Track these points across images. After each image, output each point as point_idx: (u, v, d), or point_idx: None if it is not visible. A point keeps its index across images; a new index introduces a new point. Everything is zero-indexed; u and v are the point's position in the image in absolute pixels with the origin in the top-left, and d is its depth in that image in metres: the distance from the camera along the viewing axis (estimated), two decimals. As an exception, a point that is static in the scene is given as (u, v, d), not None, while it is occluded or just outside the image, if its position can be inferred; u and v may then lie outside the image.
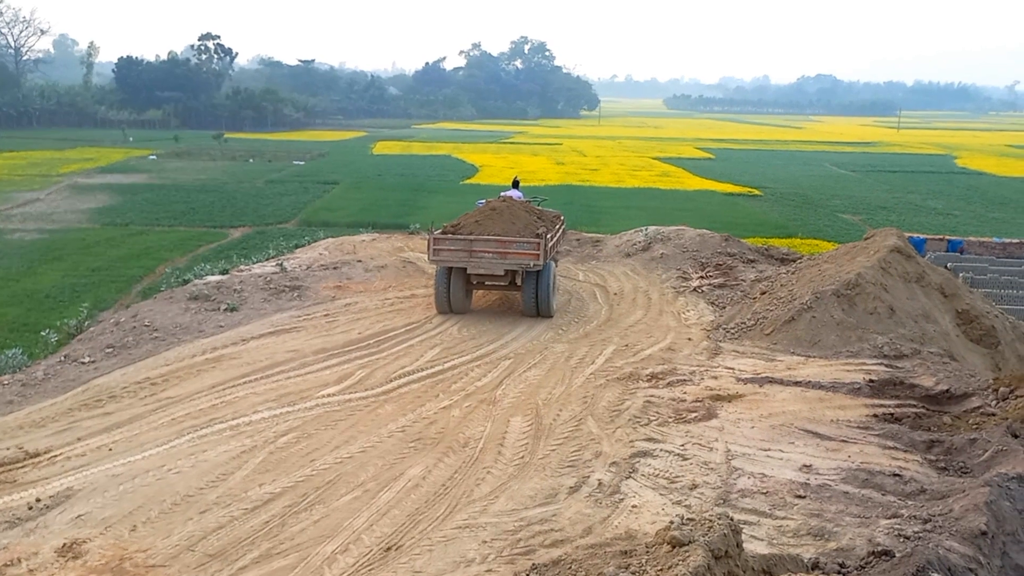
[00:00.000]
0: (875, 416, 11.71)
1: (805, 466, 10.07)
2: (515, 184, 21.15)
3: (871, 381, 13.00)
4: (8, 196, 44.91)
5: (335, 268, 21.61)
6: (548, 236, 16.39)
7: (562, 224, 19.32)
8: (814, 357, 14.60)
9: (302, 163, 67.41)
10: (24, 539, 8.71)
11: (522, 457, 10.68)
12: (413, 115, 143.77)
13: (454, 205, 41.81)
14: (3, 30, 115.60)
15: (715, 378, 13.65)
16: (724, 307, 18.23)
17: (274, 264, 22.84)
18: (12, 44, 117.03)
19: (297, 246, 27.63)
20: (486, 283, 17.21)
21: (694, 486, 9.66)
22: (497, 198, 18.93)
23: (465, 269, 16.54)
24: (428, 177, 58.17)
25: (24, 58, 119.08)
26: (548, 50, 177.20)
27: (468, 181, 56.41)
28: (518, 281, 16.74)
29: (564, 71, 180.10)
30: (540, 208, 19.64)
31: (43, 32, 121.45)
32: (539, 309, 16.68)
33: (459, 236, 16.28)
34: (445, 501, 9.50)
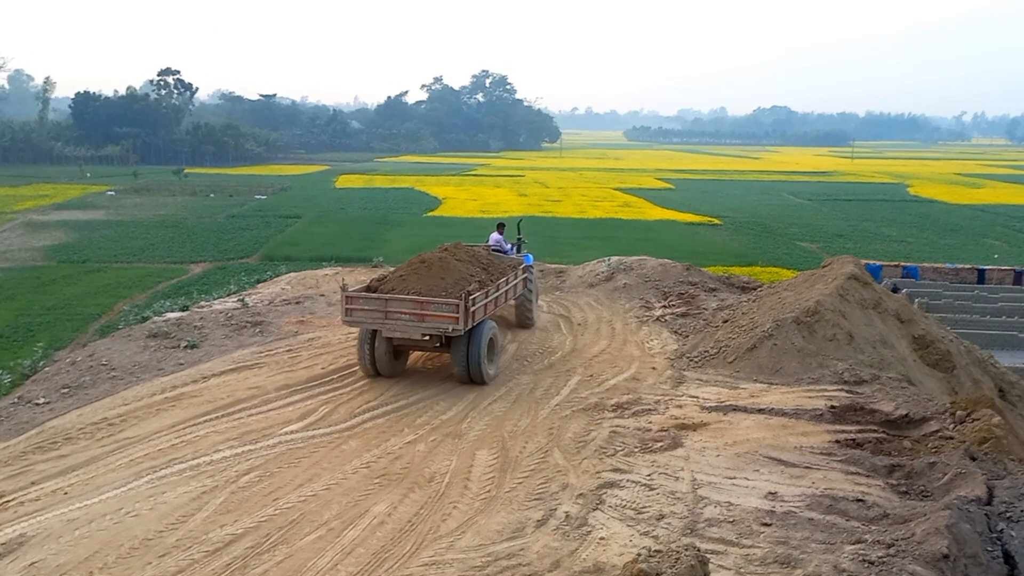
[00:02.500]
0: (837, 442, 11.83)
1: (770, 493, 10.12)
2: (498, 228, 20.22)
3: (832, 407, 13.14)
4: (-40, 234, 43.97)
5: (298, 303, 21.44)
6: (478, 295, 14.19)
7: (521, 275, 17.47)
8: (776, 384, 14.74)
9: (264, 197, 67.05)
10: (-26, 589, 8.43)
11: (488, 491, 10.60)
12: (376, 148, 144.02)
13: (417, 238, 41.88)
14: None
15: (680, 407, 13.71)
16: (687, 336, 18.36)
17: (235, 300, 22.61)
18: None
19: (259, 281, 27.42)
20: (408, 346, 15.23)
21: (661, 516, 9.65)
22: (452, 244, 17.88)
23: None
24: (391, 210, 58.18)
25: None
26: (509, 83, 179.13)
27: (431, 213, 56.54)
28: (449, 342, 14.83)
29: (525, 104, 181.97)
30: (502, 254, 18.52)
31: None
32: (470, 375, 14.54)
33: (373, 295, 14.38)
34: (411, 538, 9.37)
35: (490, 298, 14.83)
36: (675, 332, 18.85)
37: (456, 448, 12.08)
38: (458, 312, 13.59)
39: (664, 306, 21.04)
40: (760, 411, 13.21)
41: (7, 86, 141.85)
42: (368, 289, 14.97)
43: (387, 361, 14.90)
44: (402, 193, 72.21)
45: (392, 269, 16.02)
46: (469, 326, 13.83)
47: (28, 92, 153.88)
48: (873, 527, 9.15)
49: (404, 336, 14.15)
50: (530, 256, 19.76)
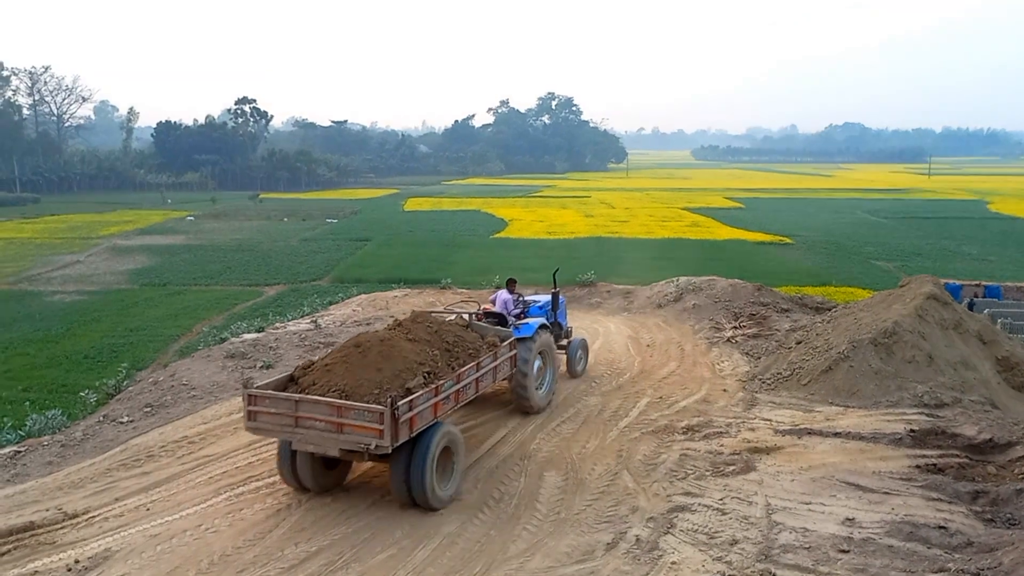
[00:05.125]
0: (918, 467, 11.48)
1: (848, 519, 9.87)
2: (508, 284, 16.04)
3: (912, 431, 12.76)
4: (48, 259, 46.06)
5: (368, 324, 21.80)
6: (419, 395, 10.28)
7: (507, 353, 13.15)
8: (853, 407, 14.38)
9: (335, 221, 68.47)
10: (64, 600, 8.76)
11: (557, 512, 10.59)
12: (443, 172, 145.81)
13: (484, 260, 42.17)
14: (47, 98, 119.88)
15: (752, 430, 13.48)
16: (759, 357, 18.05)
17: (308, 321, 23.15)
18: (55, 111, 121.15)
19: (331, 303, 28.03)
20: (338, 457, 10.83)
21: (734, 541, 9.49)
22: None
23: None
24: (458, 232, 58.74)
25: (66, 125, 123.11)
26: (575, 105, 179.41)
27: (498, 235, 56.87)
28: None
29: (591, 125, 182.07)
30: (496, 321, 14.70)
31: (85, 99, 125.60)
32: (412, 496, 10.54)
33: (280, 395, 10.46)
34: (481, 558, 9.41)
35: (443, 394, 10.82)
36: (746, 354, 18.55)
37: (525, 469, 12.10)
38: (383, 422, 9.62)
39: (735, 327, 20.74)
40: (836, 435, 12.91)
41: (93, 117, 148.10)
42: (290, 381, 11.17)
43: (314, 473, 11.03)
44: (469, 215, 72.86)
45: (330, 352, 11.96)
46: (400, 439, 9.84)
47: (113, 122, 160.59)
48: (957, 555, 8.84)
49: (319, 451, 10.30)
50: (531, 326, 14.63)
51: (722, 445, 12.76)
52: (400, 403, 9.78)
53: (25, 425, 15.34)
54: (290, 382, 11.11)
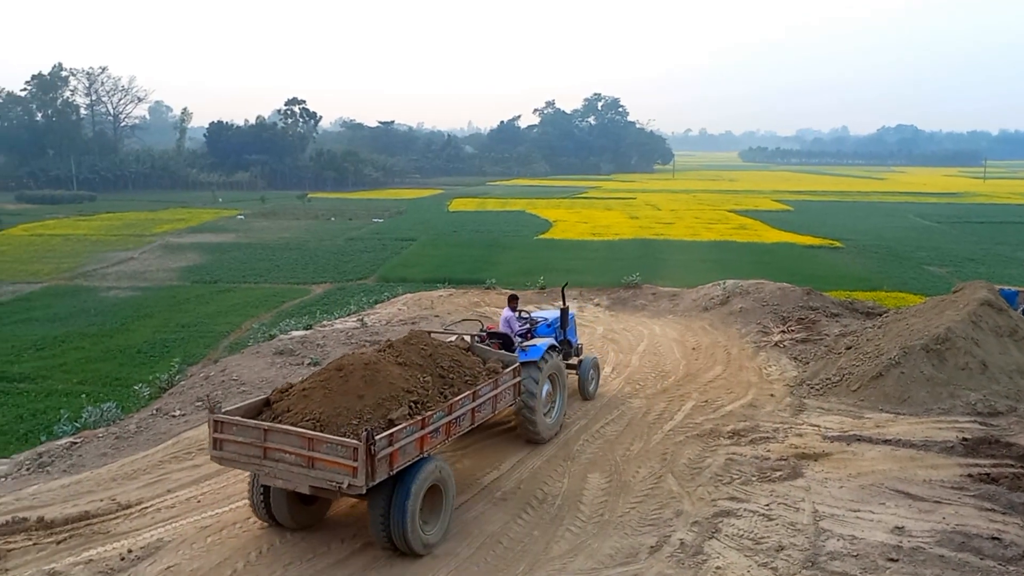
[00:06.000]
0: (970, 476, 11.23)
1: (897, 528, 9.70)
2: (510, 301, 14.58)
3: (965, 440, 12.50)
4: (104, 256, 47.21)
5: (413, 323, 21.99)
6: (401, 428, 9.07)
7: (510, 379, 11.77)
8: (904, 414, 14.13)
9: (381, 221, 69.07)
10: (118, 587, 9.00)
11: (601, 514, 10.58)
12: (488, 172, 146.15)
13: (528, 260, 42.19)
14: (104, 98, 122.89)
15: (800, 436, 13.31)
16: (807, 362, 17.81)
17: (355, 319, 23.43)
18: (111, 111, 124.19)
19: (377, 302, 28.29)
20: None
21: (780, 547, 9.39)
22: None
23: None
24: (503, 233, 58.83)
25: (122, 124, 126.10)
26: (621, 106, 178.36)
27: (542, 236, 56.83)
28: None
29: (637, 126, 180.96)
30: (500, 343, 13.40)
31: (140, 100, 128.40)
32: (392, 540, 9.34)
33: (249, 423, 9.33)
34: (524, 558, 9.44)
35: (432, 427, 9.63)
36: (794, 358, 18.32)
37: (568, 470, 12.11)
38: (355, 458, 8.48)
39: (783, 331, 20.48)
40: (886, 442, 12.70)
41: (148, 117, 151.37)
42: (265, 405, 10.16)
43: (290, 509, 10.04)
44: (513, 216, 72.93)
45: (311, 374, 10.89)
46: (377, 478, 8.67)
47: (167, 122, 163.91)
48: (1011, 568, 8.64)
49: (288, 486, 9.19)
50: (539, 348, 13.32)
51: (769, 450, 12.63)
52: (378, 437, 8.59)
53: (81, 417, 15.76)
54: (265, 406, 10.07)
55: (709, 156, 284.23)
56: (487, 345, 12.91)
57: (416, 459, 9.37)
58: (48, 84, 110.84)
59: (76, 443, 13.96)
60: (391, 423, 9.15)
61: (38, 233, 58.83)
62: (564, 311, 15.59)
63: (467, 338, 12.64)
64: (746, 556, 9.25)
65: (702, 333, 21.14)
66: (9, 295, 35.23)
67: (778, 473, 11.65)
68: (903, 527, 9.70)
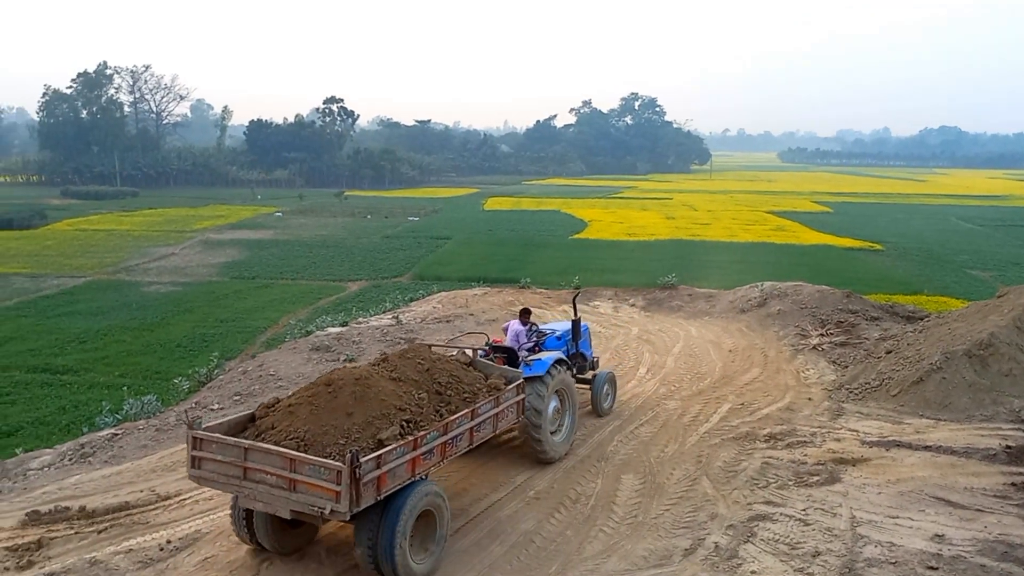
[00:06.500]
0: (1013, 484, 10.99)
1: (937, 535, 9.52)
2: (521, 315, 13.94)
3: (1008, 447, 12.22)
4: (146, 251, 48.04)
5: (448, 321, 22.07)
6: (389, 449, 8.44)
7: (513, 396, 11.01)
8: (945, 420, 13.86)
9: (416, 219, 69.41)
10: (157, 577, 9.15)
11: (635, 516, 10.53)
12: (523, 171, 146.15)
13: (562, 260, 42.11)
14: (147, 96, 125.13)
15: (838, 440, 13.13)
16: (846, 366, 17.56)
17: (390, 317, 23.57)
18: (154, 109, 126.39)
19: (412, 299, 28.43)
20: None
21: (817, 553, 9.27)
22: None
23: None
24: (538, 232, 58.80)
25: (164, 122, 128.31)
26: (658, 106, 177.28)
27: (577, 236, 56.71)
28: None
29: (675, 126, 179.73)
30: (505, 359, 12.68)
31: (182, 97, 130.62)
32: (379, 569, 8.71)
33: (228, 440, 8.73)
34: (557, 558, 9.43)
35: (425, 447, 8.98)
36: (833, 362, 18.08)
37: (601, 471, 12.07)
38: (339, 482, 7.90)
39: (821, 334, 20.22)
40: (926, 448, 12.47)
41: (190, 115, 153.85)
42: (251, 421, 9.51)
43: (273, 532, 9.40)
44: (548, 216, 72.84)
45: (299, 389, 10.06)
46: (362, 503, 8.06)
47: (208, 120, 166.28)
48: (1057, 580, 8.42)
49: (268, 510, 8.50)
50: (544, 362, 12.46)
51: (806, 455, 12.48)
52: (364, 459, 7.96)
53: (122, 409, 16.07)
54: (251, 422, 9.45)
55: (747, 156, 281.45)
56: (491, 359, 12.31)
57: (407, 482, 8.73)
58: (93, 82, 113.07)
59: (117, 434, 14.23)
60: (380, 443, 8.48)
61: (82, 228, 60.05)
62: (576, 322, 14.77)
63: (469, 352, 11.86)
64: (782, 561, 9.15)
65: (739, 335, 20.95)
66: (54, 288, 36.00)
67: (815, 478, 11.50)
68: (943, 535, 9.52)
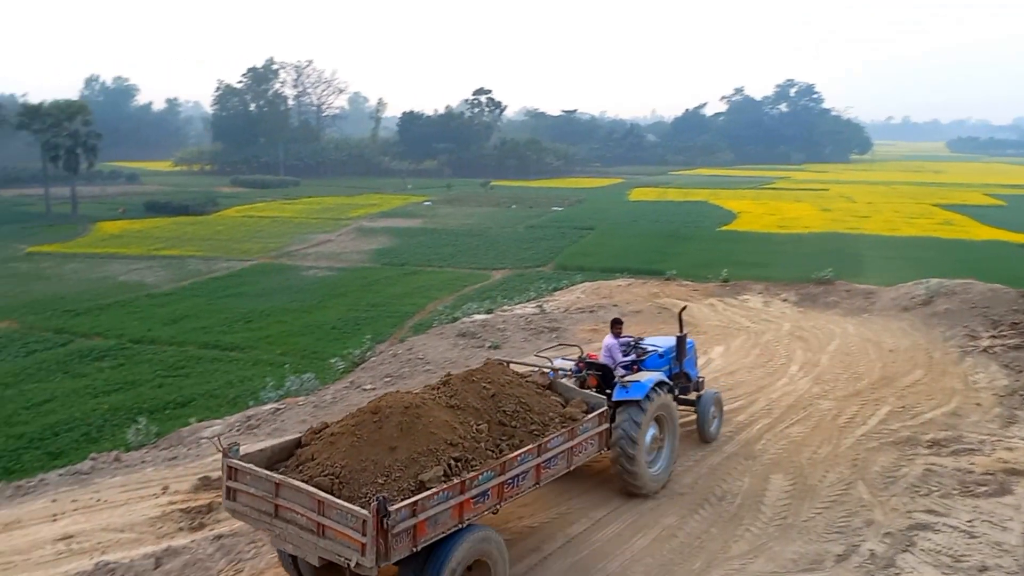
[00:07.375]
0: None
1: None
2: (613, 326, 12.24)
3: None
4: (305, 237, 50.69)
5: (591, 312, 22.04)
6: (429, 495, 7.23)
7: (594, 427, 9.49)
8: None
9: (560, 209, 69.70)
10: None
11: (784, 517, 10.18)
12: (670, 162, 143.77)
13: (708, 253, 41.17)
14: (308, 90, 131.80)
15: (1010, 449, 12.20)
16: (1021, 371, 16.27)
17: (534, 305, 23.80)
18: (315, 102, 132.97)
19: (555, 289, 28.62)
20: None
21: (984, 568, 8.68)
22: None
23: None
24: (683, 224, 57.75)
25: (324, 114, 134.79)
26: (816, 92, 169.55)
27: (724, 228, 55.31)
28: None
29: (832, 114, 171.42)
30: (595, 379, 11.23)
31: (341, 91, 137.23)
32: None
33: (261, 472, 7.71)
34: (701, 555, 9.26)
35: (475, 490, 7.73)
36: (1006, 366, 16.79)
37: (749, 469, 11.74)
38: (364, 532, 6.78)
39: (993, 336, 18.81)
40: (1116, 464, 11.38)
41: (347, 107, 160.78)
42: (297, 447, 8.55)
43: (316, 569, 8.13)
44: (695, 207, 71.32)
45: (345, 416, 8.74)
46: (393, 557, 6.93)
47: (363, 112, 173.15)
48: None
49: (298, 553, 7.63)
50: (643, 385, 10.70)
51: (973, 463, 11.67)
52: (393, 508, 6.82)
53: (284, 385, 17.07)
54: (297, 448, 8.49)
55: (912, 146, 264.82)
56: (584, 376, 11.13)
57: (453, 530, 7.50)
58: (261, 76, 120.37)
59: (280, 409, 15.12)
60: (421, 486, 7.35)
61: (249, 215, 64.07)
62: (681, 339, 13.02)
63: (548, 372, 10.57)
64: (943, 573, 8.62)
65: (901, 335, 19.82)
66: (224, 271, 38.64)
67: (983, 488, 10.74)
68: None
